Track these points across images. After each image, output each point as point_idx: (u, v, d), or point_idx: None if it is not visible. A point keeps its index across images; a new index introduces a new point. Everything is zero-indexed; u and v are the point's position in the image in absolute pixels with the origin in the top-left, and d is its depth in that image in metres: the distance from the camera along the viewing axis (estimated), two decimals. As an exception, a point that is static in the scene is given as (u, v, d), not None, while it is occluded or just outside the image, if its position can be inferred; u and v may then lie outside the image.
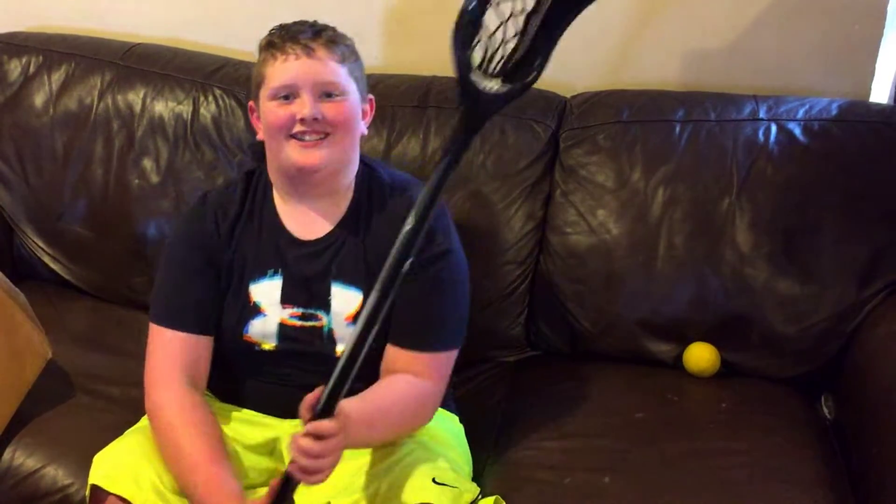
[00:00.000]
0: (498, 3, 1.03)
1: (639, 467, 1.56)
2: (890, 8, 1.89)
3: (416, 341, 1.44)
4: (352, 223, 1.48)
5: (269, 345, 1.48)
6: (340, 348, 1.45)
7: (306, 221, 1.49)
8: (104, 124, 2.06)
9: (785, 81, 1.96)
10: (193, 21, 2.23)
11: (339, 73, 1.43)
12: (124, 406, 1.65)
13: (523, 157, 1.89)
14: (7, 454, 1.60)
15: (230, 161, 2.00)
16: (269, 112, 1.43)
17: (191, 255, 1.49)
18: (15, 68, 2.13)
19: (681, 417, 1.71)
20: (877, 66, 1.94)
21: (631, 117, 1.89)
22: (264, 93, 1.44)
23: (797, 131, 1.82)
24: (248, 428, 1.50)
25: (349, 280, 1.45)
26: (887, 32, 1.91)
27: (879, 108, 1.88)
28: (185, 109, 2.04)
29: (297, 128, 1.41)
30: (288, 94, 1.41)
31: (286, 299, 1.47)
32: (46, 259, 2.12)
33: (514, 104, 1.90)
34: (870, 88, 1.96)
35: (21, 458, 1.60)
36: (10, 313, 1.67)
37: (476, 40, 1.04)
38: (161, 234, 2.00)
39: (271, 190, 1.53)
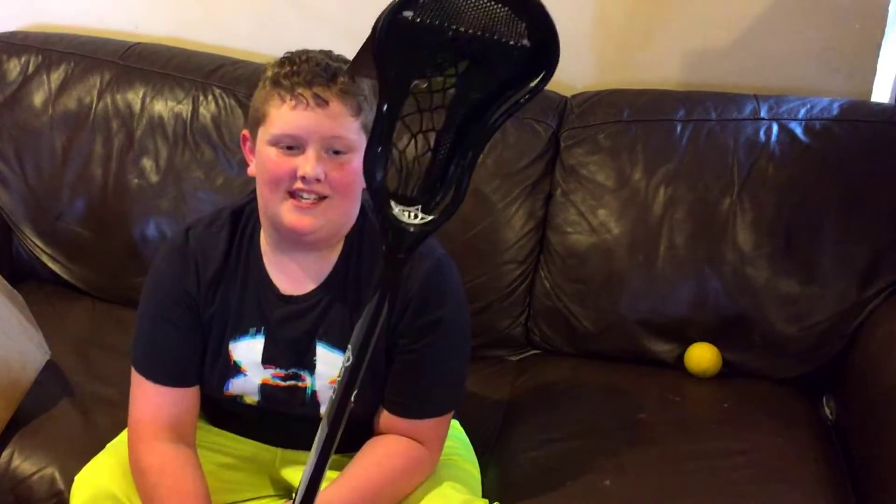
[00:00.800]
0: (405, 116, 0.94)
1: (640, 468, 1.55)
2: (891, 8, 1.89)
3: (411, 410, 1.37)
4: (340, 278, 1.38)
5: (251, 399, 1.42)
6: (324, 410, 1.35)
7: (294, 274, 1.38)
8: (103, 124, 2.06)
9: (786, 81, 1.96)
10: (193, 21, 2.23)
11: (351, 129, 1.28)
12: (123, 407, 1.63)
13: (524, 157, 1.89)
14: (5, 456, 1.60)
15: (230, 160, 1.99)
16: (267, 159, 1.29)
17: (168, 304, 1.38)
18: (14, 67, 2.12)
19: (682, 418, 1.70)
20: (878, 65, 1.94)
21: (632, 117, 1.88)
22: (264, 134, 1.29)
23: (798, 131, 1.82)
24: (238, 444, 1.48)
25: (335, 342, 1.37)
26: (888, 32, 1.91)
27: (881, 108, 1.87)
28: (185, 109, 2.03)
29: (297, 185, 1.27)
30: (291, 145, 1.27)
31: (268, 360, 1.38)
32: (45, 259, 2.11)
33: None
34: (871, 88, 1.95)
35: (18, 460, 1.60)
36: (8, 314, 1.67)
37: (389, 163, 0.95)
38: (161, 233, 2.00)
39: (258, 234, 1.40)
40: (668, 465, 1.55)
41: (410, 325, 1.33)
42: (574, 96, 1.97)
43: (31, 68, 2.12)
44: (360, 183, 1.32)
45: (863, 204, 1.78)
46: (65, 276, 2.11)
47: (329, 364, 1.37)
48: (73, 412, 1.68)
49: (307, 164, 1.26)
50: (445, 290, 1.37)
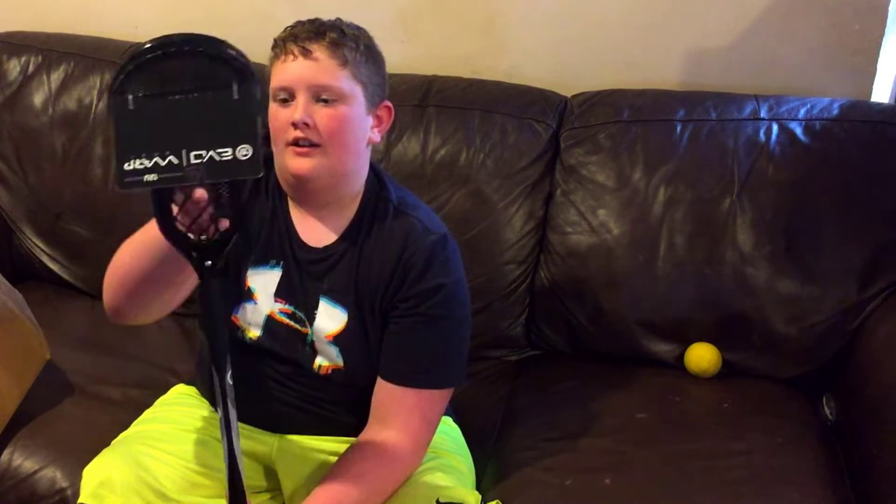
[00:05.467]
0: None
1: (640, 468, 1.55)
2: (891, 8, 1.89)
3: (404, 376, 1.39)
4: (352, 238, 1.43)
5: (253, 333, 1.44)
6: (318, 361, 1.43)
7: (311, 227, 1.44)
8: (103, 124, 2.06)
9: (786, 81, 1.96)
10: (193, 21, 2.22)
11: (338, 77, 1.34)
12: (123, 407, 1.65)
13: (524, 157, 1.89)
14: (5, 455, 1.60)
15: (230, 161, 1.99)
16: (271, 114, 1.38)
17: None
18: (14, 68, 2.13)
19: (682, 418, 1.70)
20: (878, 65, 1.94)
21: (632, 117, 1.89)
22: (270, 92, 1.39)
23: (798, 131, 1.82)
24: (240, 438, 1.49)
25: (337, 298, 1.42)
26: (888, 32, 1.91)
27: (880, 108, 1.87)
28: (185, 109, 2.03)
29: (292, 134, 1.34)
30: (286, 97, 1.35)
31: (280, 294, 1.44)
32: (45, 259, 2.12)
33: (515, 103, 1.93)
34: (871, 88, 1.95)
35: (19, 459, 1.60)
36: (8, 314, 1.67)
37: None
38: (160, 233, 2.00)
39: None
40: (667, 464, 1.55)
41: (413, 289, 1.38)
42: (574, 96, 1.97)
43: (31, 68, 2.12)
44: (357, 132, 1.39)
45: (863, 204, 1.78)
46: (65, 276, 2.11)
47: (328, 318, 1.42)
48: (73, 412, 1.68)
49: (296, 110, 1.34)
50: (449, 263, 1.43)
